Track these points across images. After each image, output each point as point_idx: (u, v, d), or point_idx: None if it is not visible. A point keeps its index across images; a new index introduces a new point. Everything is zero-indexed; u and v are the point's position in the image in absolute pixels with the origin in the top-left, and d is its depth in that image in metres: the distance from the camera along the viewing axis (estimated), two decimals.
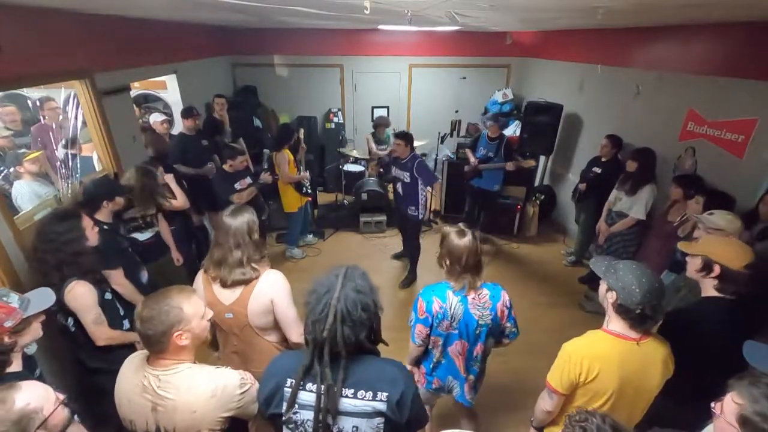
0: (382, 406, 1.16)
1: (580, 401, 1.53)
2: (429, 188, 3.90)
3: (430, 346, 1.94)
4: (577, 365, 1.45)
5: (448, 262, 1.84)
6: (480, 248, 1.83)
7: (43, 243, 1.95)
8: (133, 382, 1.30)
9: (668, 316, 1.71)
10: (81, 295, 1.93)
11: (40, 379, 1.70)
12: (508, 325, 1.90)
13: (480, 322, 1.81)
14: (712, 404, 1.13)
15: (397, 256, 4.77)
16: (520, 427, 2.60)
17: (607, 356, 1.45)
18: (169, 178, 3.21)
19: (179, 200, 3.19)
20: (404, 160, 3.86)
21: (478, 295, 1.81)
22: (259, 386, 1.26)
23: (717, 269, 1.66)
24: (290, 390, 1.17)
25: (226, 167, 3.63)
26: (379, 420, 1.17)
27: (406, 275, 4.34)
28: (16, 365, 1.46)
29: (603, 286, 1.53)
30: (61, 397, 1.11)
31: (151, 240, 3.01)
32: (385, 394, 1.16)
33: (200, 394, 1.27)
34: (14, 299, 1.47)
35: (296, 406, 1.18)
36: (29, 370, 1.61)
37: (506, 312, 1.86)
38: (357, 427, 1.17)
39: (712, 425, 1.17)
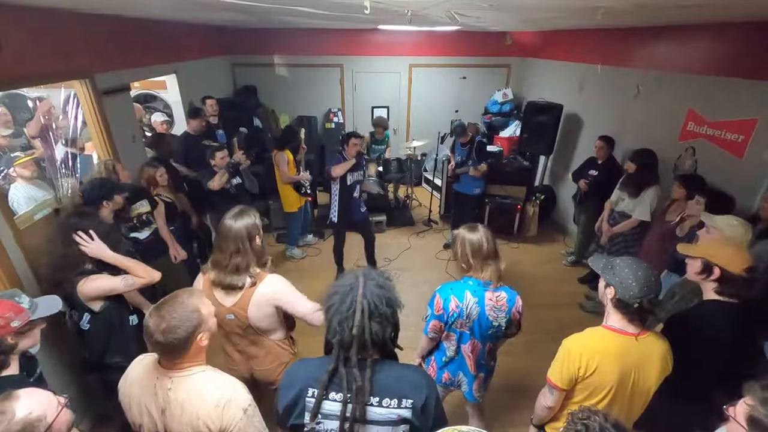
0: (407, 413, 1.13)
1: (579, 396, 1.53)
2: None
3: (442, 338, 1.96)
4: (576, 360, 1.47)
5: (469, 258, 1.83)
6: (493, 236, 1.86)
7: (64, 236, 1.94)
8: (145, 385, 1.29)
9: (670, 319, 1.71)
10: (99, 279, 1.94)
11: (40, 379, 1.69)
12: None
13: (494, 323, 1.83)
14: (725, 407, 1.13)
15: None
16: (521, 427, 2.60)
17: (605, 351, 1.46)
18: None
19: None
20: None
21: (496, 297, 1.82)
22: (279, 395, 1.21)
23: (717, 272, 1.65)
24: (313, 400, 1.13)
25: (213, 164, 3.72)
26: (404, 427, 1.15)
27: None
28: (13, 368, 1.45)
29: (602, 283, 1.55)
30: (63, 400, 1.09)
31: (150, 238, 3.01)
32: (410, 401, 1.13)
33: (206, 400, 1.25)
34: (25, 300, 1.48)
35: (319, 416, 1.14)
36: (28, 371, 1.61)
37: (518, 317, 1.90)
38: None
39: (723, 429, 1.18)
